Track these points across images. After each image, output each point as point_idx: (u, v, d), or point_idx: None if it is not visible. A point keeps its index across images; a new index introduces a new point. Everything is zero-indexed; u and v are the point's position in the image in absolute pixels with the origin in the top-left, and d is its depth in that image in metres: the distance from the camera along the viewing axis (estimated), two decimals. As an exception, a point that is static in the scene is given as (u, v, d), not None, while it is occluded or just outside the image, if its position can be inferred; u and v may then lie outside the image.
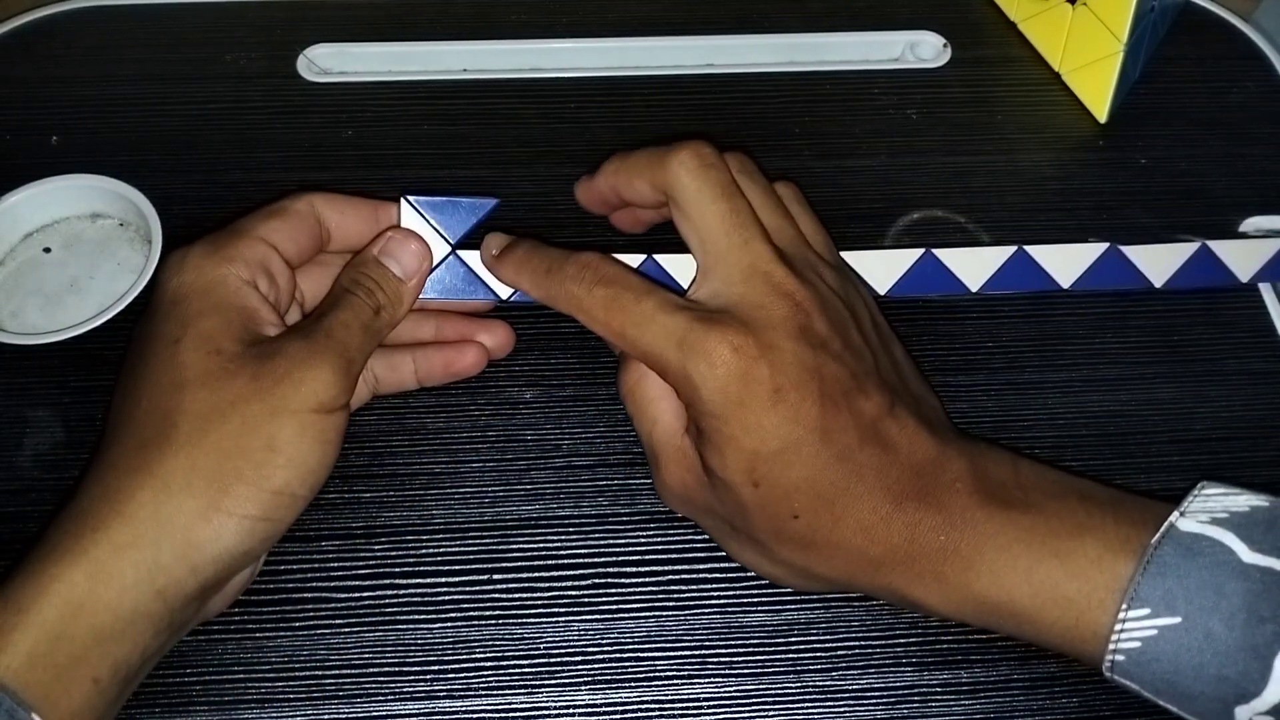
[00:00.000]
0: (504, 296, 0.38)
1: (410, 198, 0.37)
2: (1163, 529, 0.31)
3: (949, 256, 0.41)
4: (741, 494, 0.33)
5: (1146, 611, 0.30)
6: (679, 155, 0.35)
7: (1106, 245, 0.42)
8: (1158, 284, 0.42)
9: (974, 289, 0.41)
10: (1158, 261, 0.42)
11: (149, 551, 0.29)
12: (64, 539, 0.30)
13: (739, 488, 0.32)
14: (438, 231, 0.37)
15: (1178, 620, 0.29)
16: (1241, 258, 0.43)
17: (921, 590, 0.32)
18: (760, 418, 0.32)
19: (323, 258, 0.37)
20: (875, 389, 0.33)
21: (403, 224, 0.37)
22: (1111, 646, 0.30)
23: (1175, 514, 0.31)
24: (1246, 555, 0.30)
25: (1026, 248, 0.42)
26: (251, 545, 0.31)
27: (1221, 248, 0.43)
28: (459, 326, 0.39)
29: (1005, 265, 0.41)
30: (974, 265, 0.42)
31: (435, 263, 0.37)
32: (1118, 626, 0.30)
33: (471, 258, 0.37)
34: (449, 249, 0.37)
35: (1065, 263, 0.42)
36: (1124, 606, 0.30)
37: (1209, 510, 0.31)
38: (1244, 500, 0.31)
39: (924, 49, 0.52)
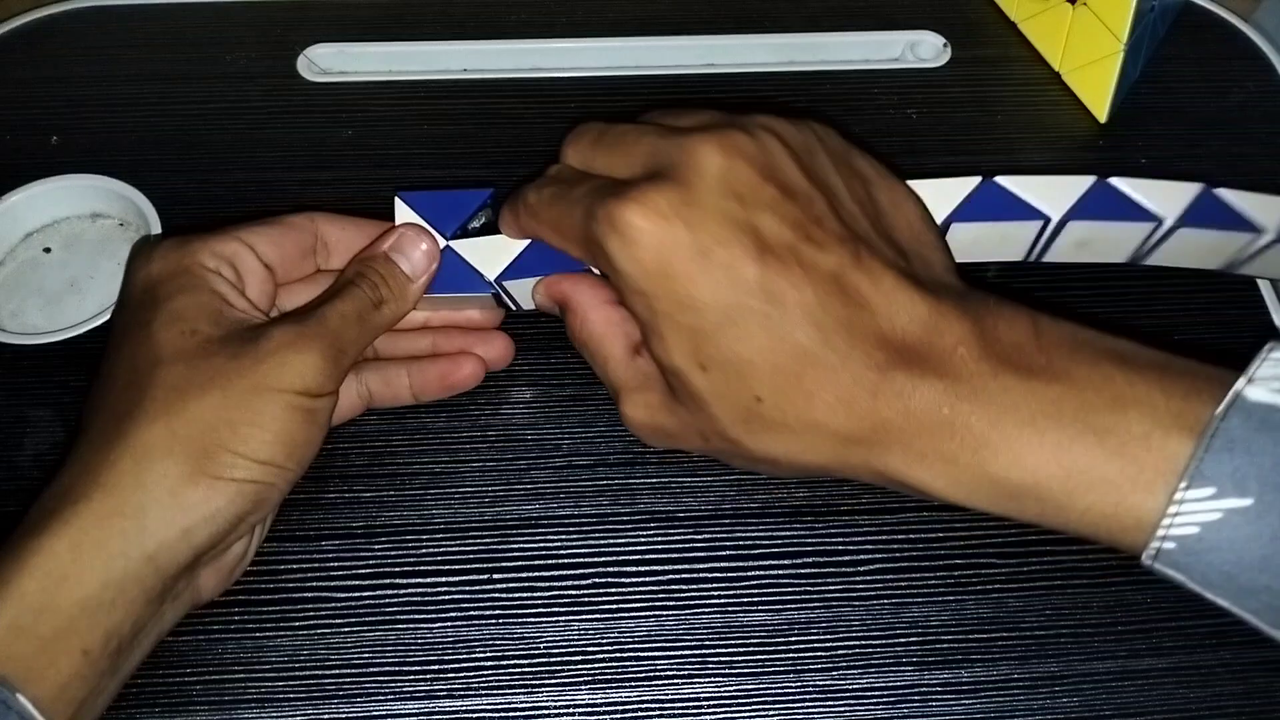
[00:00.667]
0: (491, 278, 0.36)
1: (402, 194, 0.37)
2: (1228, 398, 0.26)
3: (1019, 185, 0.36)
4: (694, 384, 0.29)
5: (1211, 492, 0.26)
6: (561, 150, 0.35)
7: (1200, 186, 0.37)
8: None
9: (1055, 216, 0.36)
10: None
11: (134, 518, 0.29)
12: (43, 516, 0.30)
13: (689, 377, 0.29)
14: (431, 226, 0.37)
15: (1249, 503, 0.25)
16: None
17: (925, 473, 0.28)
18: (690, 287, 0.28)
19: (317, 277, 0.37)
20: (831, 238, 0.29)
21: (397, 221, 0.37)
22: (1161, 533, 0.26)
23: (1241, 381, 0.26)
24: None
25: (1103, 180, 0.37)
26: (244, 507, 0.31)
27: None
28: (456, 340, 0.38)
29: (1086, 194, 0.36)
30: (1052, 192, 0.36)
31: None
32: (1172, 509, 0.26)
33: (465, 250, 0.37)
34: (443, 243, 0.37)
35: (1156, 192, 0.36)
36: (1182, 486, 0.26)
37: None
38: None
39: (924, 49, 0.52)
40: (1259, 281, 0.43)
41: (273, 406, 0.31)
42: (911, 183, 0.35)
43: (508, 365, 0.39)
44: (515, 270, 0.36)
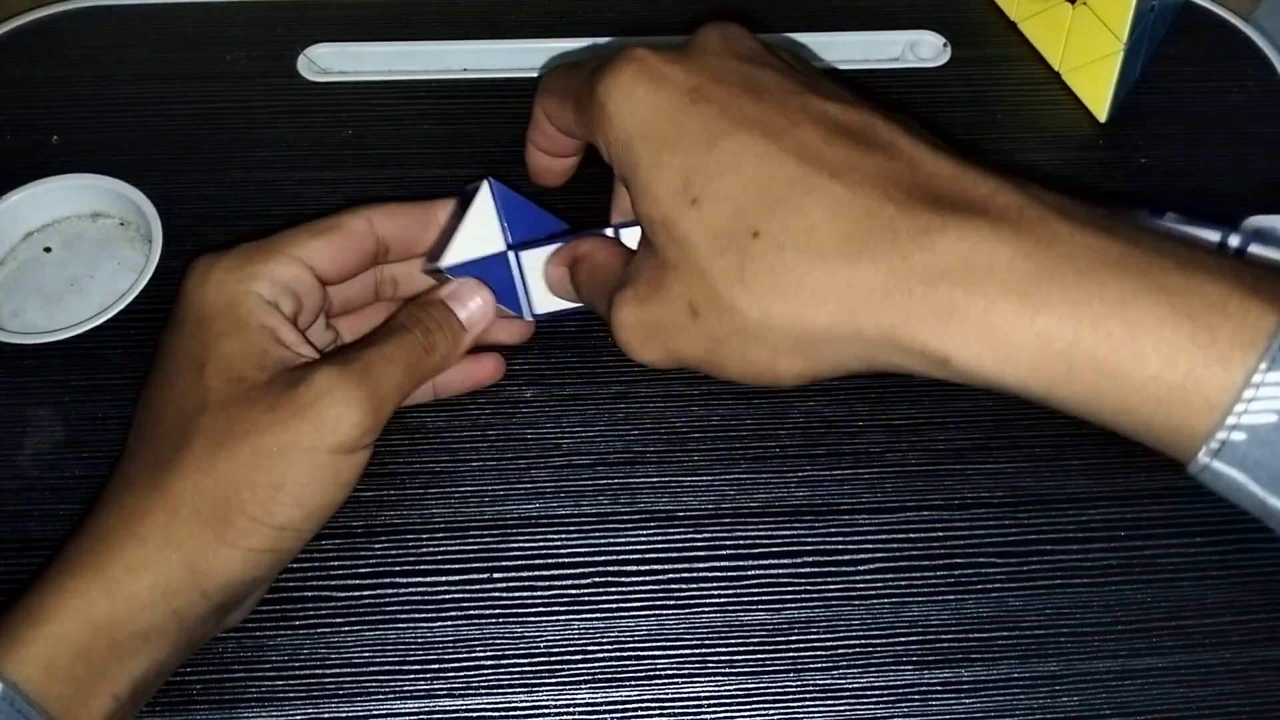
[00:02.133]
0: (529, 317, 0.37)
1: (494, 181, 0.35)
2: None
3: None
4: (684, 226, 0.26)
5: None
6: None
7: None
8: None
9: None
10: None
11: (161, 573, 0.29)
12: (82, 555, 0.30)
13: (679, 219, 0.26)
14: (503, 226, 0.35)
15: None
16: None
17: (957, 338, 0.24)
18: (682, 120, 0.27)
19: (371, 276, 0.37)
20: (833, 102, 0.27)
21: (477, 201, 0.35)
22: (1233, 420, 0.22)
23: None
24: None
25: None
26: (259, 574, 0.31)
27: None
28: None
29: None
30: None
31: (484, 255, 0.35)
32: (1249, 392, 0.22)
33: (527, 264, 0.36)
34: (504, 247, 0.36)
35: None
36: (1262, 367, 0.22)
37: None
38: None
39: (924, 49, 0.52)
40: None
41: (299, 468, 0.30)
42: None
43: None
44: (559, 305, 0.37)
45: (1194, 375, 0.22)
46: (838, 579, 0.37)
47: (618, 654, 0.35)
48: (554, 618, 0.36)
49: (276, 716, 0.34)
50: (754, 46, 0.30)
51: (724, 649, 0.35)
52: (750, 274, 0.25)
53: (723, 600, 0.36)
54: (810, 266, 0.25)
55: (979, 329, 0.23)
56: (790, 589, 0.36)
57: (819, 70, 0.31)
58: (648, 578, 0.37)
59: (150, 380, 0.33)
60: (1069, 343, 0.23)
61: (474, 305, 0.35)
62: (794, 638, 0.36)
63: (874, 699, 0.35)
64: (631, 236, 0.35)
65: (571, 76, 0.33)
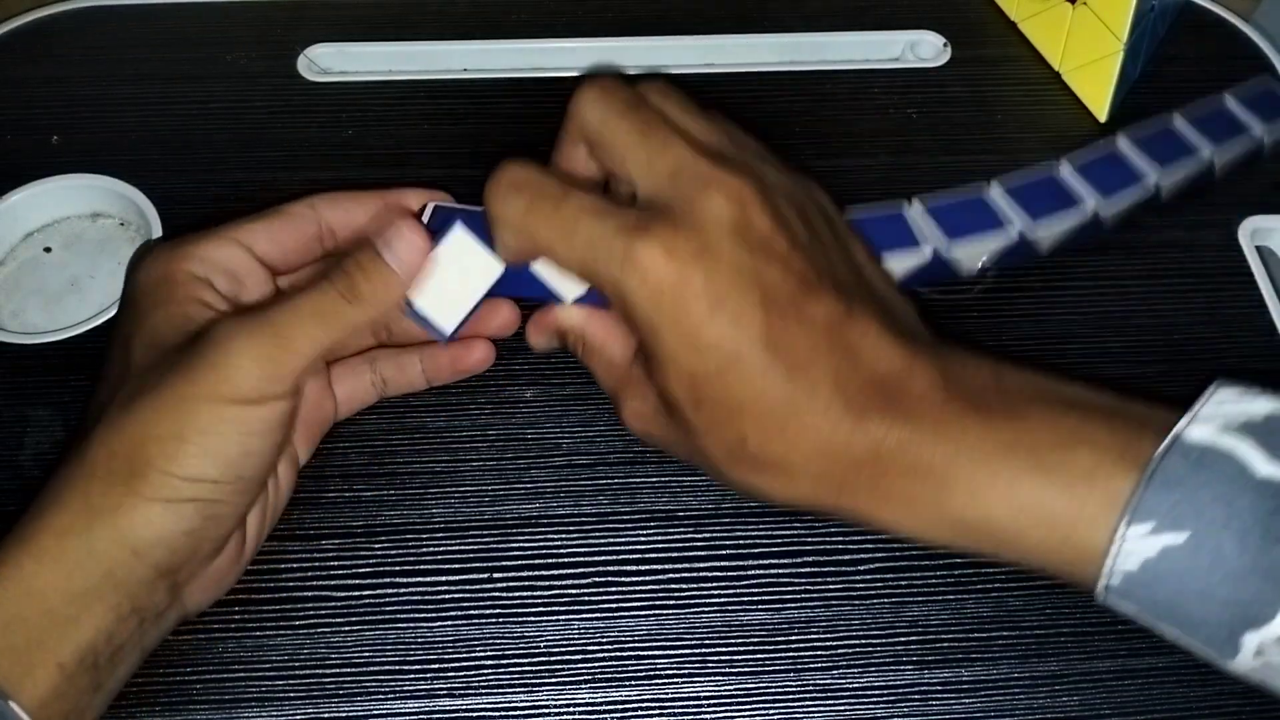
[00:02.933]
0: (569, 299, 0.35)
1: (461, 226, 0.33)
2: (1169, 438, 0.27)
3: None
4: (687, 415, 0.31)
5: (1150, 527, 0.27)
6: (578, 93, 0.33)
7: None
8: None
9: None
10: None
11: (84, 536, 0.30)
12: (16, 530, 0.30)
13: (683, 408, 0.30)
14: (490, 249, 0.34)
15: (1184, 537, 0.26)
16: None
17: (890, 513, 0.30)
18: (698, 333, 0.29)
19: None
20: (829, 292, 0.30)
21: (451, 243, 0.33)
22: (1107, 567, 0.27)
23: (1184, 421, 0.27)
24: (1264, 468, 0.26)
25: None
26: (188, 526, 0.30)
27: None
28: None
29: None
30: None
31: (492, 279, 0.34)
32: (1114, 545, 0.27)
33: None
34: (501, 267, 0.34)
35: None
36: (1124, 521, 0.27)
37: (1223, 416, 0.27)
38: (1262, 405, 0.27)
39: (924, 49, 0.52)
40: (1258, 281, 0.44)
41: (202, 418, 0.30)
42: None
43: (510, 337, 0.38)
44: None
45: (1071, 538, 0.28)
46: (838, 579, 0.37)
47: (618, 654, 0.35)
48: (554, 618, 0.36)
49: (276, 716, 0.34)
50: (763, 229, 0.30)
51: (724, 649, 0.35)
52: (738, 461, 0.31)
53: (723, 600, 0.36)
54: (785, 467, 0.30)
55: (909, 508, 0.30)
56: (790, 589, 0.36)
57: (809, 207, 0.33)
58: (648, 578, 0.37)
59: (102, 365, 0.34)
60: (970, 521, 0.29)
61: (403, 247, 0.33)
62: (794, 638, 0.36)
63: (874, 699, 0.35)
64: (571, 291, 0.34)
65: (565, 233, 0.31)
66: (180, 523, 0.30)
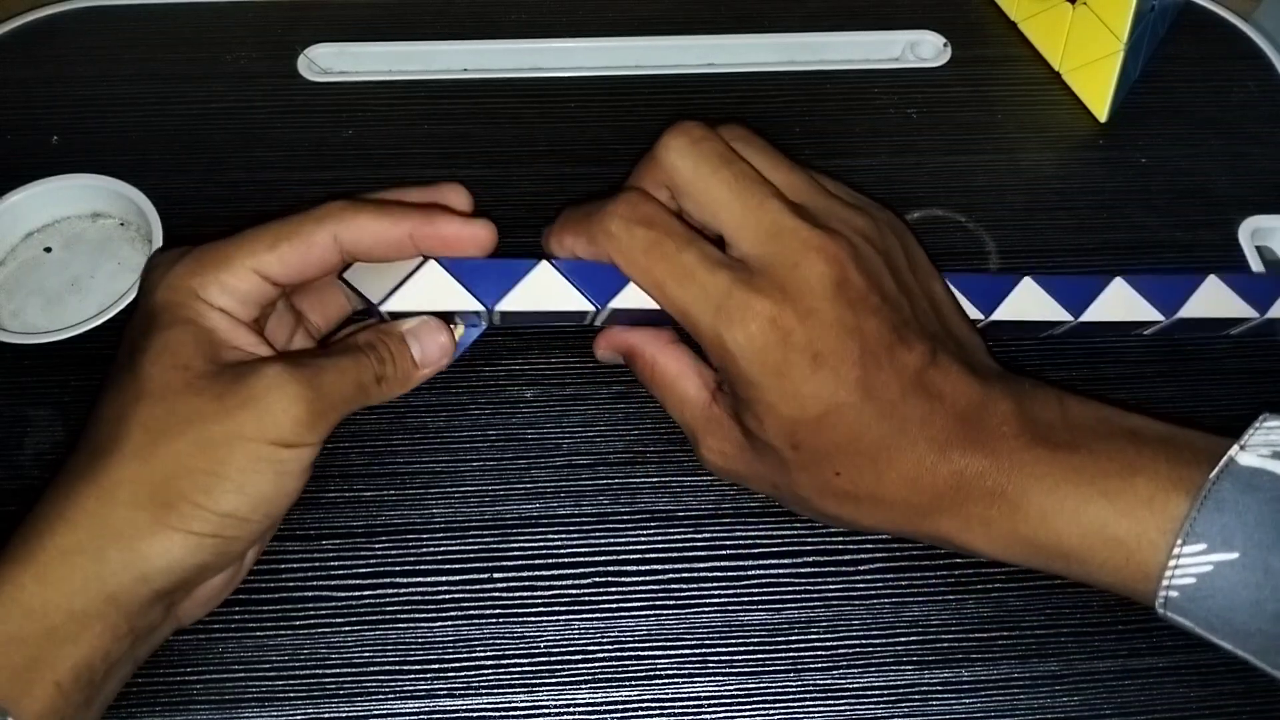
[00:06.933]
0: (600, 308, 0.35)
1: (445, 261, 0.34)
2: (1221, 464, 0.30)
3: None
4: (783, 455, 0.33)
5: (1203, 547, 0.29)
6: (667, 141, 0.34)
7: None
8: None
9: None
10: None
11: (93, 557, 0.29)
12: (16, 544, 0.30)
13: (779, 450, 0.33)
14: (473, 293, 0.35)
15: (1235, 555, 0.29)
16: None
17: (969, 536, 0.33)
18: (800, 385, 0.32)
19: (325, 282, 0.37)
20: (916, 338, 0.33)
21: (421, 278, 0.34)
22: (1165, 583, 0.30)
23: (1235, 448, 0.30)
24: None
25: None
26: (205, 559, 0.31)
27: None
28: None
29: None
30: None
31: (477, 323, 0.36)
32: (1171, 563, 0.30)
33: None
34: (486, 310, 0.35)
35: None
36: (1179, 543, 0.30)
37: (1270, 444, 0.30)
38: None
39: (924, 49, 0.52)
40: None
41: (240, 457, 0.30)
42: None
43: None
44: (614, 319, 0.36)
45: (1133, 558, 0.31)
46: (838, 579, 0.37)
47: (618, 654, 0.35)
48: (554, 618, 0.36)
49: (276, 716, 0.34)
50: (860, 287, 0.32)
51: (724, 649, 0.35)
52: (829, 494, 0.33)
53: (723, 600, 0.36)
54: (875, 498, 0.33)
55: (987, 532, 0.32)
56: (790, 589, 0.36)
57: (897, 256, 0.34)
58: (648, 578, 0.37)
59: (106, 373, 0.34)
60: (1041, 543, 0.32)
61: (430, 346, 0.36)
62: (794, 638, 0.36)
63: (874, 699, 0.35)
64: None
65: (668, 272, 0.33)
66: (196, 555, 0.30)
